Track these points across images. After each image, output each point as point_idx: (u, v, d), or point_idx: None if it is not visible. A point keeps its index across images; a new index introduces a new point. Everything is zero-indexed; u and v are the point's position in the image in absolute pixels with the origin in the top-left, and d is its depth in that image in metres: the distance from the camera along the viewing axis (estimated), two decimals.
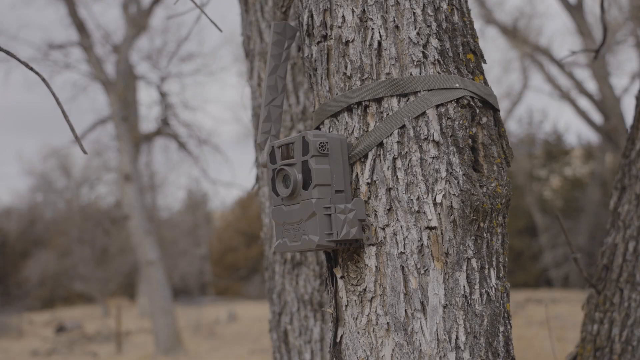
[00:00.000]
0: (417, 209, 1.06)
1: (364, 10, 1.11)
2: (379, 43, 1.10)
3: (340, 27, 1.13)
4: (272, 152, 1.12)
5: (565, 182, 23.59)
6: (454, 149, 1.08)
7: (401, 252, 1.06)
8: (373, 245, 1.08)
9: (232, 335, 14.40)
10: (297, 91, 2.21)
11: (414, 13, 1.10)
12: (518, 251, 21.40)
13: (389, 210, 1.07)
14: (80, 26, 13.32)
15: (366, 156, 1.09)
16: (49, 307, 23.76)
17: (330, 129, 1.16)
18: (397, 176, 1.07)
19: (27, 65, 1.24)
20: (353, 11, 1.12)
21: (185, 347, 12.64)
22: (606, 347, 1.82)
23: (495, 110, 1.16)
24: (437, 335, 1.04)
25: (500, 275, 1.12)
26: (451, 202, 1.06)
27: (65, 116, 1.19)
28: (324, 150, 1.06)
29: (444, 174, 1.06)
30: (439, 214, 1.06)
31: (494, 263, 1.10)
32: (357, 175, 1.10)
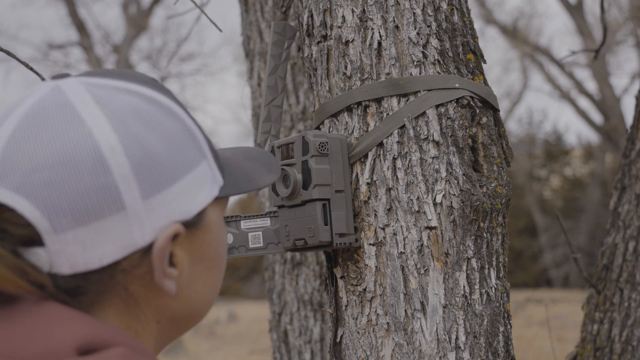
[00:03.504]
0: (417, 209, 1.06)
1: (364, 10, 1.11)
2: (379, 43, 1.10)
3: (340, 27, 1.13)
4: (272, 152, 1.12)
5: (565, 182, 23.60)
6: (454, 149, 1.08)
7: (401, 252, 1.06)
8: (373, 245, 1.08)
9: (232, 335, 14.40)
10: (297, 91, 2.21)
11: (414, 13, 1.10)
12: (518, 251, 21.39)
13: (389, 210, 1.07)
14: (80, 26, 13.33)
15: (366, 156, 1.09)
16: None
17: (330, 129, 1.15)
18: (397, 176, 1.07)
19: (27, 66, 1.24)
20: (353, 11, 1.12)
21: (185, 347, 12.64)
22: (606, 347, 1.82)
23: (495, 110, 1.16)
24: (437, 335, 1.04)
25: (500, 275, 1.12)
26: (451, 202, 1.06)
27: None
28: (323, 150, 1.06)
29: (444, 174, 1.06)
30: (439, 214, 1.06)
31: (494, 263, 1.10)
32: (357, 175, 1.10)
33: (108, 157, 0.58)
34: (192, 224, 0.64)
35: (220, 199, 0.70)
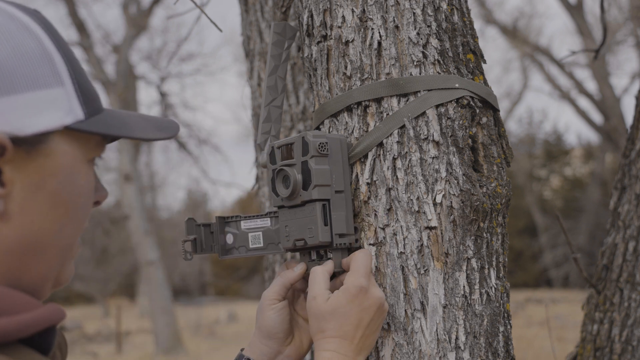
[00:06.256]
0: (417, 209, 1.06)
1: (364, 10, 1.11)
2: (379, 43, 1.10)
3: (340, 27, 1.13)
4: (272, 152, 1.12)
5: (565, 182, 23.62)
6: (454, 149, 1.08)
7: (401, 252, 1.06)
8: (373, 245, 1.08)
9: (232, 335, 14.41)
10: (297, 91, 2.21)
11: (414, 13, 1.10)
12: (518, 251, 21.41)
13: (388, 210, 1.07)
14: (80, 26, 13.32)
15: (366, 156, 1.09)
16: None
17: (330, 129, 1.15)
18: (397, 176, 1.07)
19: None
20: (353, 11, 1.12)
21: (185, 347, 12.64)
22: (606, 347, 1.82)
23: (495, 110, 1.16)
24: (437, 335, 1.04)
25: (500, 275, 1.12)
26: (451, 202, 1.06)
27: None
28: (323, 150, 1.06)
29: (443, 174, 1.06)
30: (439, 214, 1.06)
31: (494, 263, 1.10)
32: (357, 175, 1.10)
33: None
34: (27, 144, 0.63)
35: (84, 138, 0.69)
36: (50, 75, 0.65)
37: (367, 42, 1.11)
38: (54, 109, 0.65)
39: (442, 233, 1.06)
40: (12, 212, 0.63)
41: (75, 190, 0.68)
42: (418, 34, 1.10)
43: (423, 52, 1.10)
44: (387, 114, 1.09)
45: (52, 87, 0.65)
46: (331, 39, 1.15)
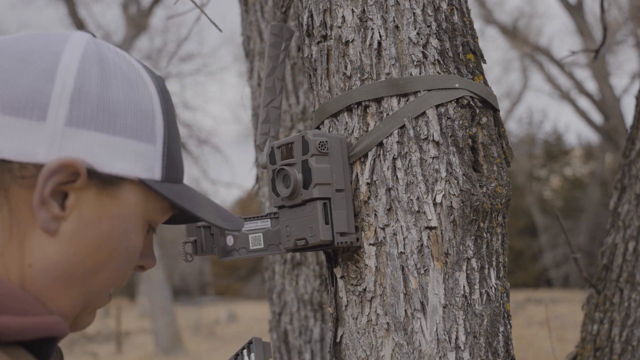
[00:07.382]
0: (417, 209, 1.06)
1: (364, 10, 1.11)
2: (379, 43, 1.10)
3: (340, 27, 1.13)
4: (271, 152, 1.12)
5: (565, 182, 23.63)
6: (454, 149, 1.08)
7: (401, 252, 1.06)
8: (373, 245, 1.08)
9: (232, 335, 14.40)
10: (297, 91, 2.21)
11: (414, 13, 1.10)
12: (518, 251, 21.41)
13: (388, 210, 1.07)
14: (80, 26, 13.32)
15: (366, 156, 1.09)
16: None
17: (330, 129, 1.16)
18: (397, 176, 1.07)
19: None
20: (353, 11, 1.12)
21: (185, 347, 12.64)
22: (606, 347, 1.82)
23: (495, 110, 1.16)
24: (437, 335, 1.04)
25: (500, 275, 1.12)
26: (451, 202, 1.06)
27: None
28: (323, 149, 1.06)
29: (443, 174, 1.06)
30: (439, 214, 1.06)
31: (494, 263, 1.10)
32: (357, 175, 1.10)
33: (59, 71, 0.63)
34: (100, 180, 0.65)
35: (152, 199, 0.70)
36: (147, 131, 0.68)
37: (367, 42, 1.11)
38: (137, 160, 0.67)
39: (442, 233, 1.06)
40: (61, 235, 0.64)
41: (124, 242, 0.69)
42: (418, 34, 1.10)
43: (423, 52, 1.10)
44: (387, 114, 1.09)
45: (143, 141, 0.68)
46: (331, 39, 1.15)
